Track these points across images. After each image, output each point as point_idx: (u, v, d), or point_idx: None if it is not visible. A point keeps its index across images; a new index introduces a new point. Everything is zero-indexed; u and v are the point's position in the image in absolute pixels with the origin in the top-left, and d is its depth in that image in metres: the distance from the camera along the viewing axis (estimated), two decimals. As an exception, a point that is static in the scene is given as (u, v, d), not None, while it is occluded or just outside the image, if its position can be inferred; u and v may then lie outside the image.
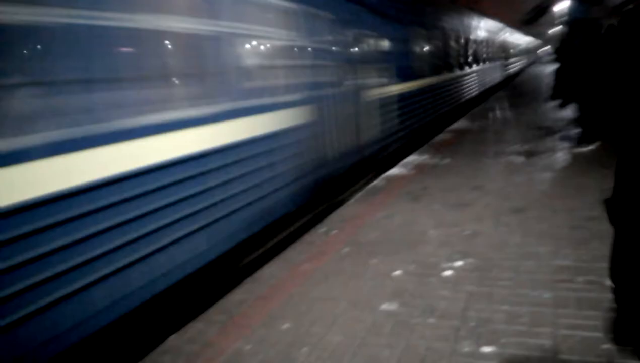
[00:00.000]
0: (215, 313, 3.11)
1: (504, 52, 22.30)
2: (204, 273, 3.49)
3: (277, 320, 2.94)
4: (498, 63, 20.33)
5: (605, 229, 2.61)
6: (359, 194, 5.65)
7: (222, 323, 2.98)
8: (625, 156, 1.95)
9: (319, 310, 3.01)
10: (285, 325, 2.87)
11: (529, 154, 6.86)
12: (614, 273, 2.12)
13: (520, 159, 6.62)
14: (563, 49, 7.87)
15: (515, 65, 27.96)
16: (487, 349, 2.43)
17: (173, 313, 3.21)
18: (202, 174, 3.31)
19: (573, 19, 7.79)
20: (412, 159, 7.38)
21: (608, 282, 2.41)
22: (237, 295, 3.33)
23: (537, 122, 9.71)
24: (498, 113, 12.34)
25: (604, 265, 2.52)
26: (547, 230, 3.87)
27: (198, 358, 2.63)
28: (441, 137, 9.35)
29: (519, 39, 30.43)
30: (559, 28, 24.42)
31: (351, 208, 5.12)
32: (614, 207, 2.02)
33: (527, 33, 34.97)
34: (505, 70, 22.83)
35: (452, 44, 11.93)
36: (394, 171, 6.66)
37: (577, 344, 2.35)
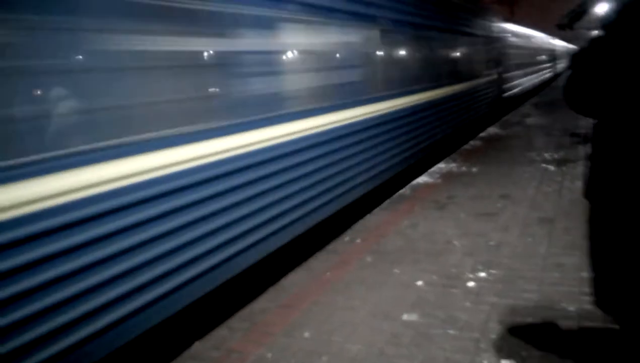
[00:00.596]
0: (239, 320, 3.19)
1: (539, 57, 21.98)
2: None
3: (298, 328, 2.99)
4: (532, 68, 20.05)
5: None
6: (385, 202, 5.66)
7: (245, 330, 3.05)
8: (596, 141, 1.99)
9: (339, 319, 3.04)
10: (306, 334, 2.92)
11: (561, 162, 6.71)
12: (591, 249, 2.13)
13: (552, 167, 6.48)
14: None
15: (549, 70, 27.41)
16: (507, 362, 2.41)
17: (198, 318, 3.30)
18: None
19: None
20: (440, 166, 7.32)
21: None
22: (260, 303, 3.40)
23: (571, 128, 9.46)
24: (531, 119, 12.08)
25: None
26: (575, 242, 3.77)
27: (221, 364, 2.71)
28: (471, 143, 9.23)
29: (555, 44, 29.78)
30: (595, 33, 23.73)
31: (375, 216, 5.14)
32: (589, 184, 2.04)
33: (563, 38, 34.16)
34: (540, 75, 22.41)
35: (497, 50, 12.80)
36: (421, 179, 6.63)
37: (601, 359, 2.31)
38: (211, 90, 3.38)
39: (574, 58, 1.99)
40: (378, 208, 5.49)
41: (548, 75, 26.26)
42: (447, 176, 6.66)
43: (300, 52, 4.41)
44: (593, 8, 19.14)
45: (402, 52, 6.70)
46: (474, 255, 3.80)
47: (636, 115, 1.77)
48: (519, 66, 16.20)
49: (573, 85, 1.95)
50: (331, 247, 4.37)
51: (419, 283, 3.42)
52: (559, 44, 32.14)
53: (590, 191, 2.03)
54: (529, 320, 2.76)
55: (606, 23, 1.88)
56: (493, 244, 3.98)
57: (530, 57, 19.06)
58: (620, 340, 2.15)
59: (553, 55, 27.43)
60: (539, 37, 21.48)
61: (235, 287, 3.67)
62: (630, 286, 1.92)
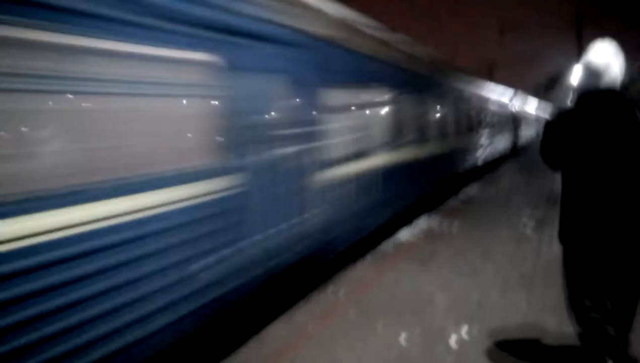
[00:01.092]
0: (219, 372, 3.12)
1: (517, 118, 22.78)
2: None
3: (279, 381, 2.94)
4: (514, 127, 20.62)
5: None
6: (368, 257, 5.69)
7: (225, 382, 2.99)
8: (564, 190, 2.65)
9: (322, 373, 3.00)
10: (288, 387, 2.87)
11: (539, 222, 6.89)
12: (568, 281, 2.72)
13: (530, 227, 6.65)
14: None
15: (531, 130, 28.27)
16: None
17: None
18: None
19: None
20: (422, 223, 7.44)
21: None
22: (241, 355, 3.34)
23: (548, 189, 9.78)
24: (509, 179, 12.44)
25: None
26: (553, 300, 3.85)
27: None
28: (451, 203, 9.43)
29: (534, 106, 30.99)
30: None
31: (359, 270, 5.15)
32: (561, 229, 2.67)
33: (543, 100, 35.74)
34: (521, 134, 23.11)
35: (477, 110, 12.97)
36: (403, 235, 6.71)
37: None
38: None
39: (546, 125, 2.70)
40: (361, 262, 5.52)
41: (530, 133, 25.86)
42: (429, 233, 6.76)
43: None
44: (567, 77, 20.32)
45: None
46: (457, 311, 3.83)
47: (582, 169, 2.52)
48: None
49: (544, 146, 2.70)
50: (315, 298, 4.35)
51: (403, 338, 3.42)
52: (539, 105, 33.22)
53: (560, 233, 2.68)
54: (511, 378, 2.78)
55: (567, 109, 2.66)
56: (475, 301, 4.02)
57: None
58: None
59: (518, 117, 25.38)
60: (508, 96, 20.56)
61: (217, 336, 3.61)
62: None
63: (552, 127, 2.65)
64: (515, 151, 21.03)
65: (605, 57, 2.52)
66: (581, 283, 2.61)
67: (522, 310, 3.75)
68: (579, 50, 22.70)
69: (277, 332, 3.67)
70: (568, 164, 2.59)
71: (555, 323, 3.43)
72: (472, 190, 11.01)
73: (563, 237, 2.65)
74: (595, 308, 2.55)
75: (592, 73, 2.53)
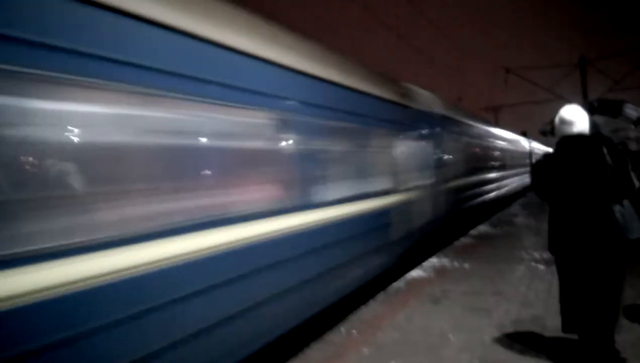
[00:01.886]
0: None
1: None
2: None
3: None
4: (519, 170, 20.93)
5: (620, 339, 2.73)
6: (379, 295, 5.72)
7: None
8: (551, 213, 3.56)
9: (338, 411, 3.02)
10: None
11: (549, 262, 6.88)
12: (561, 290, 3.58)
13: (541, 266, 6.66)
14: None
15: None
16: None
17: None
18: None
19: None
20: (433, 262, 7.47)
21: None
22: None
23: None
24: (520, 219, 12.45)
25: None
26: (566, 340, 3.86)
27: None
28: (462, 241, 9.45)
29: (539, 148, 31.23)
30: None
31: (371, 309, 5.18)
32: (550, 242, 3.57)
33: (546, 143, 35.96)
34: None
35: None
36: (415, 273, 6.74)
37: None
38: None
39: (534, 165, 3.73)
40: (372, 300, 5.54)
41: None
42: (440, 271, 6.79)
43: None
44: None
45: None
46: (470, 350, 3.85)
47: (562, 195, 3.43)
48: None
49: (533, 181, 3.69)
50: (327, 338, 4.38)
51: (416, 376, 3.44)
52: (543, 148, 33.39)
53: (549, 245, 3.60)
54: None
55: (549, 152, 3.64)
56: (488, 340, 4.03)
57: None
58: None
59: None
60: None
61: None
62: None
63: (538, 166, 3.63)
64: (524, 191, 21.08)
65: (574, 112, 3.47)
66: (569, 284, 3.46)
67: (534, 349, 3.75)
68: (584, 93, 23.03)
69: (292, 371, 3.70)
70: (552, 192, 3.51)
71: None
72: (484, 227, 11.03)
73: (552, 248, 3.56)
74: (580, 304, 3.35)
75: (566, 124, 3.46)
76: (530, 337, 4.03)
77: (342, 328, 4.59)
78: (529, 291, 5.44)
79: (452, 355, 3.78)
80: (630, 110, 4.39)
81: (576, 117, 3.44)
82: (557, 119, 3.51)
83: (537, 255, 7.42)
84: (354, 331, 4.49)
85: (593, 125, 3.56)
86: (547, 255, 7.29)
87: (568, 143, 3.42)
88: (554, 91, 24.60)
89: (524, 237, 9.53)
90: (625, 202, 3.27)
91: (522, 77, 24.49)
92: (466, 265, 7.07)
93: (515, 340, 4.01)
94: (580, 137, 3.41)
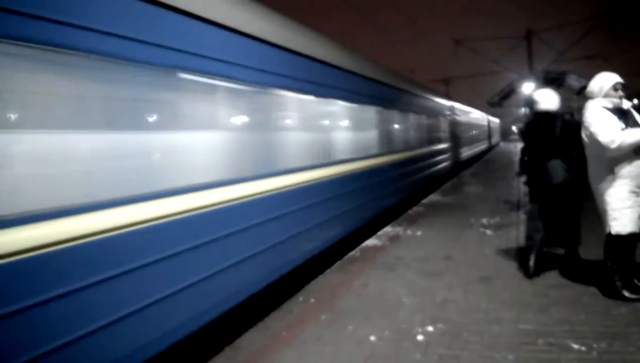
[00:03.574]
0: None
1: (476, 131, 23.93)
2: None
3: (257, 384, 3.04)
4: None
5: (566, 295, 2.97)
6: (336, 264, 5.85)
7: (203, 388, 3.06)
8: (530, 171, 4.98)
9: (297, 375, 3.12)
10: (265, 390, 2.97)
11: (497, 227, 7.25)
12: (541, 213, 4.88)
13: (489, 231, 6.99)
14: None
15: (482, 144, 29.47)
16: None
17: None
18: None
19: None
20: (387, 230, 7.68)
21: (568, 343, 3.03)
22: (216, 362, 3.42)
23: (506, 196, 10.26)
24: (469, 188, 12.93)
25: (564, 328, 3.16)
26: (512, 297, 4.13)
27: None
28: (414, 209, 9.75)
29: (486, 120, 32.32)
30: (523, 111, 26.23)
31: (328, 277, 5.31)
32: (531, 195, 5.08)
33: (494, 114, 37.28)
34: (475, 148, 24.14)
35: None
36: (369, 242, 6.92)
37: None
38: None
39: (521, 131, 5.44)
40: (329, 269, 5.67)
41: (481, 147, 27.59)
42: (394, 239, 7.00)
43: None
44: (520, 88, 21.36)
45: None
46: (422, 311, 4.04)
47: (538, 154, 4.71)
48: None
49: (524, 142, 5.15)
50: (286, 306, 4.47)
51: (372, 338, 3.58)
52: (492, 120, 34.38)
53: (530, 197, 5.12)
54: (474, 369, 2.98)
55: (529, 121, 5.13)
56: (439, 301, 4.24)
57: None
58: None
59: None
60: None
61: (191, 346, 3.68)
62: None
63: (523, 132, 5.10)
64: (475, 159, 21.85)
65: (541, 94, 4.90)
66: (547, 219, 4.79)
67: (483, 308, 3.99)
68: (530, 64, 23.85)
69: (252, 339, 3.77)
70: (530, 152, 4.88)
71: (513, 318, 3.68)
72: (435, 196, 11.39)
73: (533, 199, 5.03)
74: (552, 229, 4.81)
75: (535, 103, 4.86)
76: (478, 295, 4.27)
77: (300, 297, 4.69)
78: (477, 255, 5.72)
79: (406, 317, 3.96)
80: (574, 81, 4.96)
81: (541, 98, 4.81)
82: (533, 97, 4.97)
83: (484, 221, 7.78)
84: (312, 299, 4.60)
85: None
86: (494, 221, 7.70)
87: (540, 117, 4.79)
88: (501, 63, 25.40)
89: (473, 204, 9.93)
90: (556, 161, 4.48)
91: (471, 49, 25.07)
92: (419, 233, 7.32)
93: (463, 299, 4.23)
94: (543, 113, 4.74)
